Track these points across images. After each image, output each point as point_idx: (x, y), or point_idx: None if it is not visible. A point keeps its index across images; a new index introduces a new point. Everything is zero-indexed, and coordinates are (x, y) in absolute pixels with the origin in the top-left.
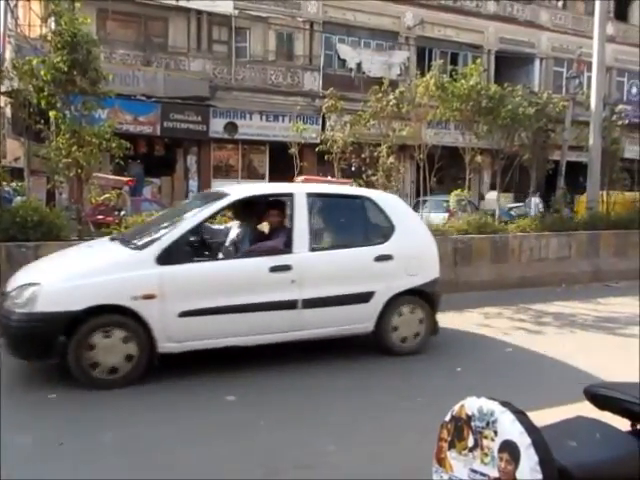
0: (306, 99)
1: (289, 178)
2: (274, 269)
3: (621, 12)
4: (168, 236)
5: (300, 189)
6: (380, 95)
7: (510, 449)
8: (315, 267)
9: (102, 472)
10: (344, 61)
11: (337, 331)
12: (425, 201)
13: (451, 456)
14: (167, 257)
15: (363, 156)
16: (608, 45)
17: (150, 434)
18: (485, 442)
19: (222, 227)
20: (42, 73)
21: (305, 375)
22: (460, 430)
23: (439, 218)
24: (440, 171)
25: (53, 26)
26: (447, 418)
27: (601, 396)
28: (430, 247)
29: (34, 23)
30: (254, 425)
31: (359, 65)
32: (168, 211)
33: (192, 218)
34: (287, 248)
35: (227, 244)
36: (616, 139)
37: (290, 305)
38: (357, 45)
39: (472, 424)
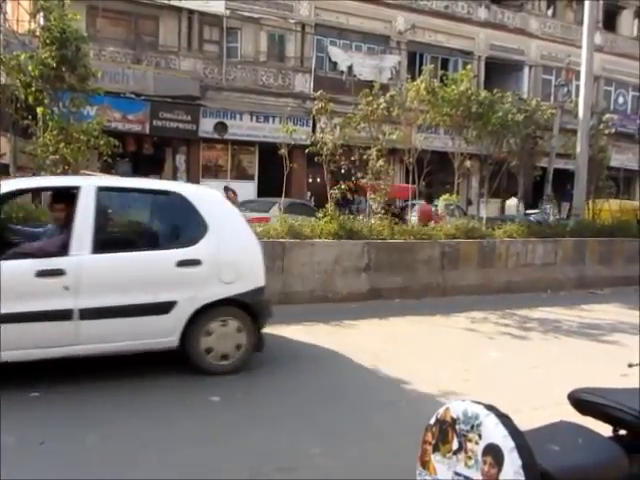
0: (297, 101)
1: (279, 179)
2: (42, 274)
3: (609, 22)
4: None
5: (90, 182)
6: (371, 98)
7: (494, 452)
8: (98, 272)
9: (84, 472)
10: (335, 64)
11: (129, 346)
12: (414, 205)
13: (435, 459)
14: None
15: (353, 159)
16: (596, 54)
17: (133, 434)
18: (469, 445)
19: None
20: (30, 68)
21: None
22: (445, 433)
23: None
24: (429, 175)
25: (42, 22)
26: (432, 421)
27: (584, 401)
28: (253, 252)
29: (22, 18)
30: (239, 426)
31: (350, 68)
32: None
33: None
34: (62, 250)
35: None
36: (603, 147)
37: (63, 316)
38: (349, 48)
39: (457, 427)
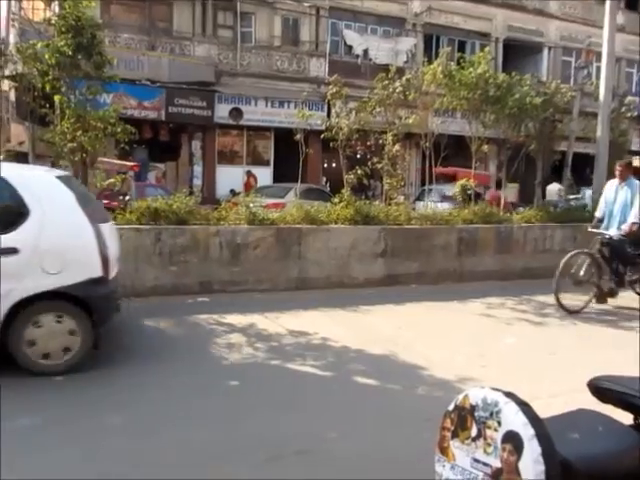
0: (312, 85)
1: (294, 164)
2: None
3: (632, 2)
4: None
5: None
6: (386, 82)
7: (513, 440)
8: None
9: (108, 452)
10: (350, 47)
11: None
12: (430, 190)
13: (454, 445)
14: None
15: (368, 143)
16: (618, 35)
17: (153, 415)
18: (488, 432)
19: None
20: (46, 57)
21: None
22: (463, 420)
23: (443, 207)
24: (446, 160)
25: (57, 9)
26: (450, 407)
27: (604, 389)
28: (85, 239)
29: (38, 7)
30: (257, 409)
31: (366, 52)
32: None
33: None
34: None
35: None
36: (624, 131)
37: None
38: (364, 31)
39: (475, 414)
